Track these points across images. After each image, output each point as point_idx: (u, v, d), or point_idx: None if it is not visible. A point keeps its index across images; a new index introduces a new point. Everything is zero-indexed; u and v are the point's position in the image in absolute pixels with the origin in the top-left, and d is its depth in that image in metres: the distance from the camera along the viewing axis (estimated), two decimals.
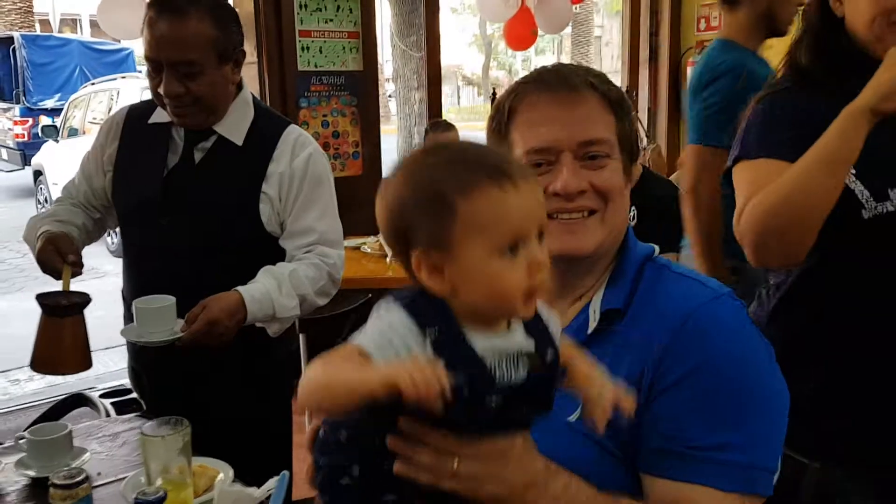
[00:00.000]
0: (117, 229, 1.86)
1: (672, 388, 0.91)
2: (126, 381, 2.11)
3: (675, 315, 0.93)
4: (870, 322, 1.23)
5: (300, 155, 1.72)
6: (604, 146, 0.99)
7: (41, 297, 1.55)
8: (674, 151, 4.87)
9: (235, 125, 1.71)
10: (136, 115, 1.80)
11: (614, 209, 1.00)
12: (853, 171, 1.20)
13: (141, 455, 1.23)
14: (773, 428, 0.93)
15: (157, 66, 1.60)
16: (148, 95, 1.73)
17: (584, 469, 0.89)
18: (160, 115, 1.73)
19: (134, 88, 8.13)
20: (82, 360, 1.57)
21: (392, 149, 7.15)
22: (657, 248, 1.05)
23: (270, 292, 1.63)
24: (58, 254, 1.60)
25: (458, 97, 27.87)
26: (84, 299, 1.57)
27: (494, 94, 4.59)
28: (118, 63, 12.21)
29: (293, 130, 1.76)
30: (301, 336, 2.52)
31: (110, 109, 7.99)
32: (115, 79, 9.61)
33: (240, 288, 1.62)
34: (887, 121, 1.17)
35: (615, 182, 1.00)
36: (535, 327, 0.81)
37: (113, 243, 7.00)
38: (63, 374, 1.64)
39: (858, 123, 1.15)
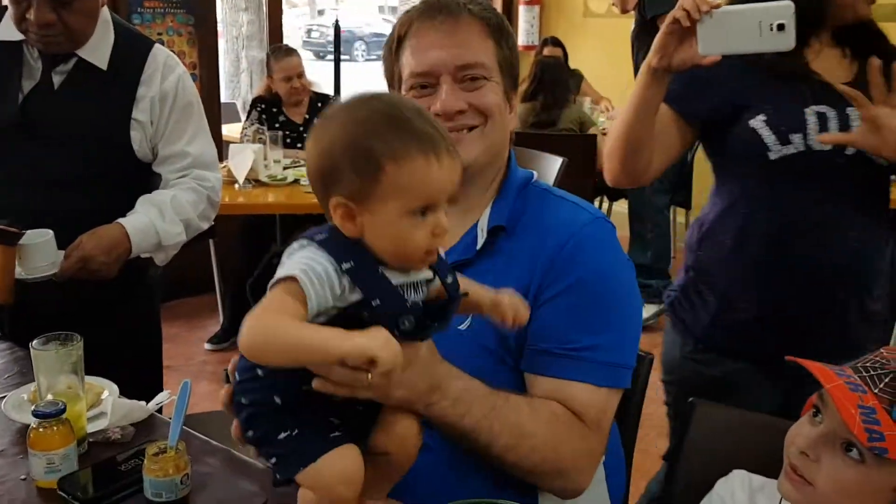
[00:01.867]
0: None
1: (554, 298, 1.04)
2: None
3: (559, 233, 1.05)
4: (780, 248, 1.40)
5: (169, 77, 1.67)
6: (481, 69, 1.07)
7: None
8: None
9: (97, 47, 1.62)
10: None
11: (493, 126, 1.09)
12: (763, 118, 1.37)
13: (33, 371, 1.21)
14: (633, 333, 1.09)
15: None
16: None
17: (476, 372, 0.99)
18: (6, 32, 1.59)
19: None
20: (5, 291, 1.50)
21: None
22: (536, 174, 1.18)
23: (153, 221, 1.61)
24: None
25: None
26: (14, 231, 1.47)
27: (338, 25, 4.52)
28: None
29: (159, 51, 1.69)
30: None
31: None
32: None
33: (121, 220, 1.58)
34: (791, 75, 1.37)
35: (493, 101, 1.08)
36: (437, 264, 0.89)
37: None
38: None
39: (645, 78, 1.35)
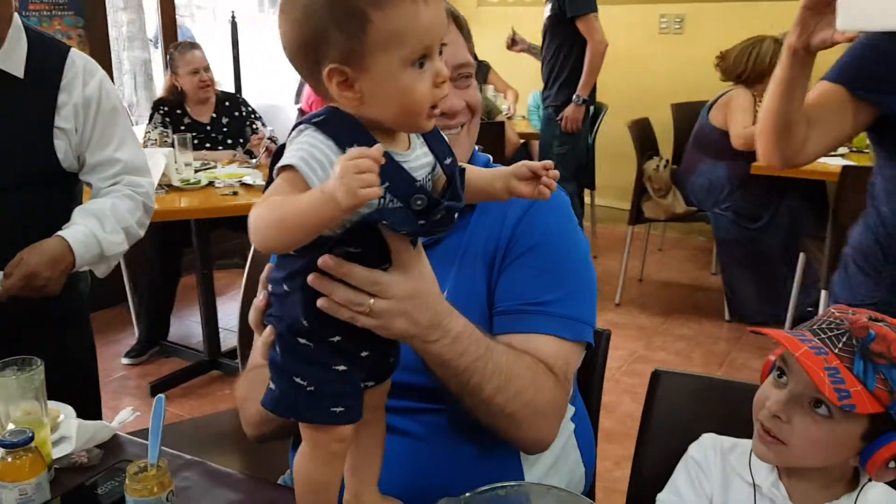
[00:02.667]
0: None
1: (516, 260, 1.10)
2: None
3: (520, 202, 1.10)
4: None
5: (90, 83, 1.61)
6: (469, 67, 1.14)
7: None
8: None
9: (10, 55, 1.54)
10: None
11: (475, 121, 1.16)
12: None
13: None
14: (590, 293, 1.15)
15: None
16: None
17: None
18: None
19: None
20: None
21: None
22: (490, 158, 1.22)
23: (94, 232, 1.54)
24: None
25: None
26: None
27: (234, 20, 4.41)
28: None
29: (77, 56, 1.62)
30: None
31: None
32: None
33: (61, 233, 1.51)
34: None
35: (478, 97, 1.16)
36: (433, 140, 0.87)
37: None
38: None
39: (786, 58, 1.32)
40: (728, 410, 1.12)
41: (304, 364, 0.85)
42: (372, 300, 0.85)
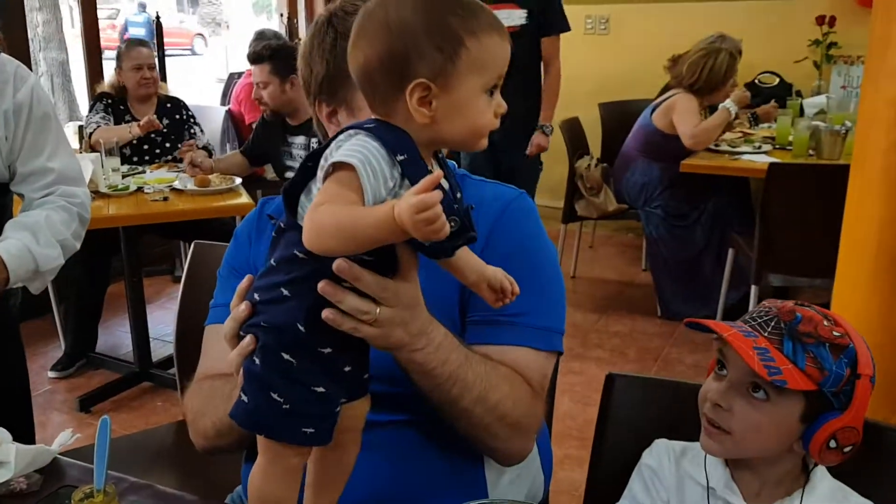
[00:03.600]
0: None
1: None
2: None
3: (492, 209, 1.10)
4: None
5: (22, 88, 1.54)
6: None
7: None
8: None
9: None
10: None
11: None
12: None
13: None
14: (561, 300, 1.15)
15: None
16: None
17: None
18: None
19: None
20: None
21: None
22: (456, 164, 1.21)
23: (28, 246, 1.47)
24: None
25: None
26: None
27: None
28: None
29: (7, 61, 1.55)
30: None
31: None
32: None
33: None
34: None
35: None
36: (447, 172, 0.88)
37: None
38: None
39: None
40: (682, 411, 1.13)
41: (284, 380, 0.83)
42: (379, 309, 0.85)
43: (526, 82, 3.61)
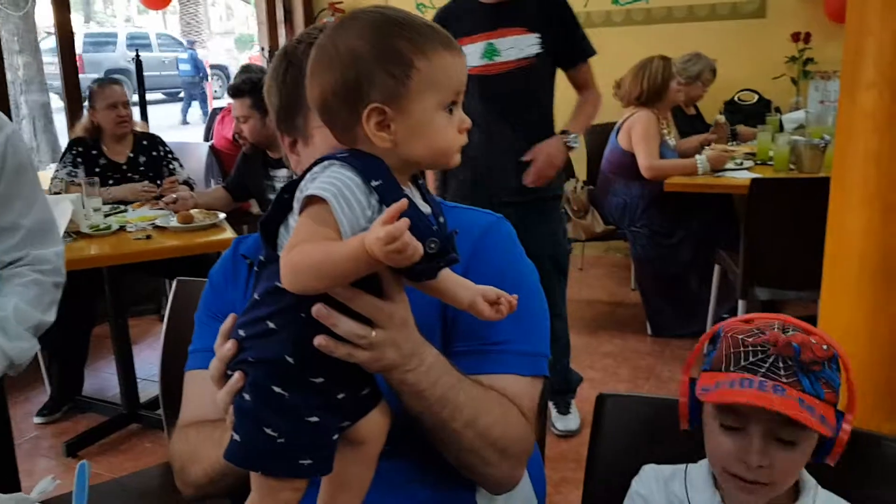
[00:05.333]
0: None
1: None
2: None
3: (472, 233, 1.09)
4: None
5: None
6: None
7: None
8: None
9: None
10: None
11: None
12: None
13: None
14: (544, 323, 1.14)
15: None
16: None
17: None
18: None
19: None
20: None
21: None
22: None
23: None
24: None
25: None
26: None
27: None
28: None
29: None
30: None
31: None
32: None
33: None
34: None
35: None
36: (427, 196, 0.89)
37: None
38: None
39: None
40: (676, 429, 1.11)
41: (277, 414, 0.82)
42: (374, 331, 0.84)
43: (541, 119, 2.86)
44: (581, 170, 4.52)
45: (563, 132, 2.83)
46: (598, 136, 4.44)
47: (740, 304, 3.20)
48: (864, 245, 1.83)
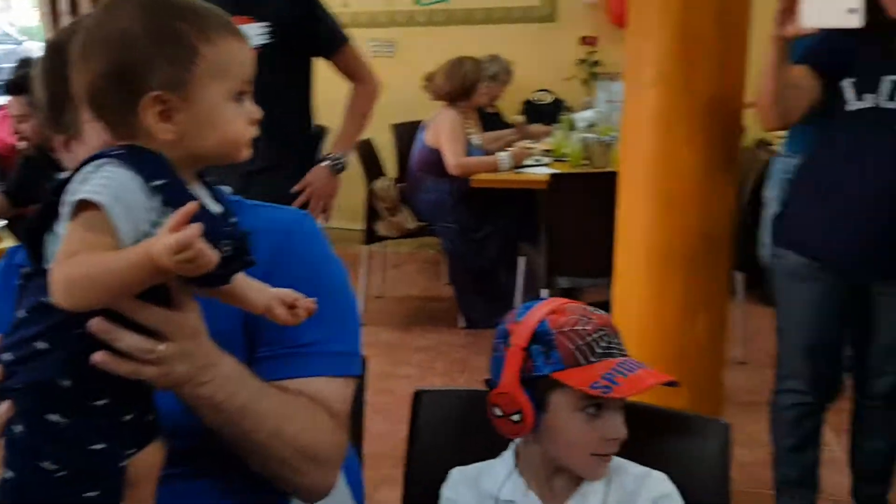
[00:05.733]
0: None
1: None
2: None
3: (274, 232, 1.04)
4: (848, 182, 1.85)
5: None
6: None
7: None
8: None
9: None
10: None
11: None
12: (853, 80, 1.82)
13: None
14: (353, 321, 1.12)
15: None
16: None
17: None
18: None
19: None
20: None
21: None
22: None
23: None
24: None
25: None
26: None
27: None
28: None
29: None
30: None
31: None
32: None
33: None
34: (873, 39, 1.76)
35: None
36: (217, 194, 0.84)
37: None
38: None
39: (772, 46, 1.74)
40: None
41: (55, 445, 0.74)
42: (162, 345, 0.77)
43: (286, 115, 2.59)
44: (391, 167, 4.57)
45: (326, 158, 2.71)
46: (408, 133, 4.51)
47: (545, 292, 3.37)
48: (650, 235, 1.99)
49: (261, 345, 1.02)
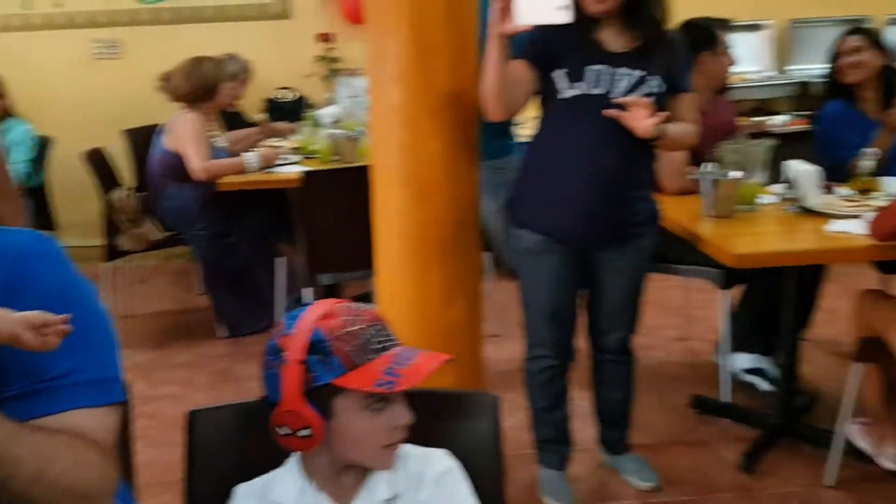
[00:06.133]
0: None
1: None
2: None
3: (4, 257, 0.95)
4: (566, 163, 2.10)
5: None
6: None
7: None
8: None
9: None
10: None
11: None
12: (565, 70, 2.02)
13: None
14: (109, 344, 1.04)
15: None
16: None
17: None
18: None
19: None
20: None
21: None
22: None
23: None
24: None
25: None
26: None
27: None
28: None
29: None
30: None
31: None
32: None
33: None
34: (579, 33, 2.01)
35: None
36: None
37: None
38: None
39: (494, 43, 1.89)
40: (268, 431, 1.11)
41: None
42: None
43: None
44: (129, 176, 4.28)
45: None
46: (143, 138, 4.25)
47: (308, 291, 3.36)
48: (404, 224, 2.07)
49: (10, 382, 0.92)
